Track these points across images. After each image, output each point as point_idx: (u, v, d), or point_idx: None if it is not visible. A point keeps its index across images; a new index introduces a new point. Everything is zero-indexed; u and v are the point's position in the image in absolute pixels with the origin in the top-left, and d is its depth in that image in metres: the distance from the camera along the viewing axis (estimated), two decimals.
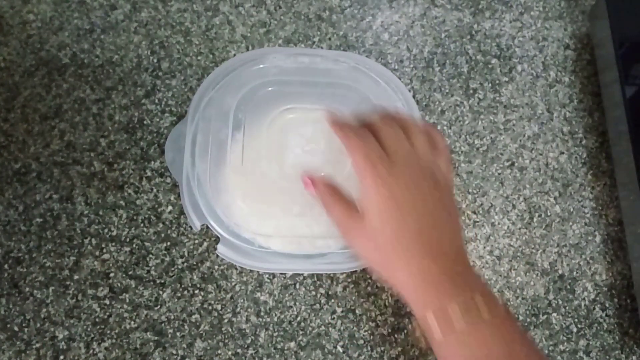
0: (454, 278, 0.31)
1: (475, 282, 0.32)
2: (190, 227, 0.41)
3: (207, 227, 0.41)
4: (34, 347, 0.38)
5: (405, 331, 0.40)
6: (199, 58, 0.47)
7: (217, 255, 0.40)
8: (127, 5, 0.48)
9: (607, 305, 0.42)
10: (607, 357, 0.41)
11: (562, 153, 0.46)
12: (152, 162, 0.43)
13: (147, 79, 0.46)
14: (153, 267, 0.40)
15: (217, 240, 0.40)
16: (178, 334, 0.39)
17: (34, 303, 0.39)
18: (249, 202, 0.39)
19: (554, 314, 0.42)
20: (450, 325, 0.29)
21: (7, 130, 0.43)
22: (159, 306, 0.39)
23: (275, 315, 0.39)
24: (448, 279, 0.31)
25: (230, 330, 0.39)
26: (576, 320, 0.42)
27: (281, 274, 0.40)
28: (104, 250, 0.40)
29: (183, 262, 0.40)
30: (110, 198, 0.42)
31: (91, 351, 0.38)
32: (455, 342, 0.30)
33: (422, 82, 0.48)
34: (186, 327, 0.39)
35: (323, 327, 0.39)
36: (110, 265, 0.40)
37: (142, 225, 0.41)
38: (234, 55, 0.47)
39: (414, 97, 0.47)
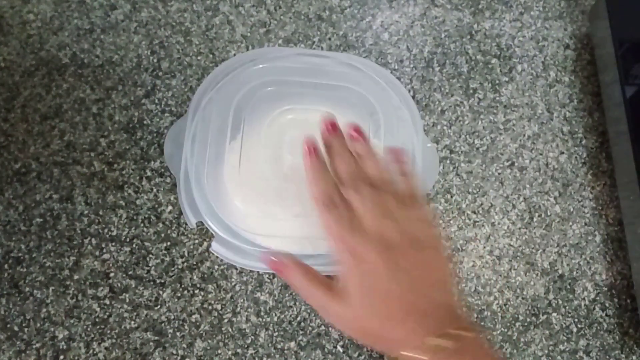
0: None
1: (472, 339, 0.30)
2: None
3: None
4: (34, 347, 0.38)
5: None
6: (199, 58, 0.47)
7: (217, 255, 0.40)
8: (127, 5, 0.48)
9: (607, 305, 0.42)
10: (607, 357, 0.41)
11: (562, 153, 0.46)
12: (152, 162, 0.43)
13: (147, 79, 0.46)
14: (153, 267, 0.40)
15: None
16: (178, 334, 0.39)
17: (34, 303, 0.39)
18: (248, 201, 0.39)
19: (554, 314, 0.42)
20: None
21: (7, 130, 0.43)
22: (159, 306, 0.39)
23: (275, 315, 0.39)
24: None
25: (230, 330, 0.39)
26: (576, 320, 0.42)
27: None
28: (104, 250, 0.40)
29: (183, 262, 0.40)
30: (110, 198, 0.42)
31: (91, 351, 0.38)
32: None
33: (422, 82, 0.48)
34: (186, 327, 0.39)
35: (323, 327, 0.39)
36: (110, 265, 0.40)
37: (142, 225, 0.41)
38: (234, 55, 0.47)
39: (413, 97, 0.47)
